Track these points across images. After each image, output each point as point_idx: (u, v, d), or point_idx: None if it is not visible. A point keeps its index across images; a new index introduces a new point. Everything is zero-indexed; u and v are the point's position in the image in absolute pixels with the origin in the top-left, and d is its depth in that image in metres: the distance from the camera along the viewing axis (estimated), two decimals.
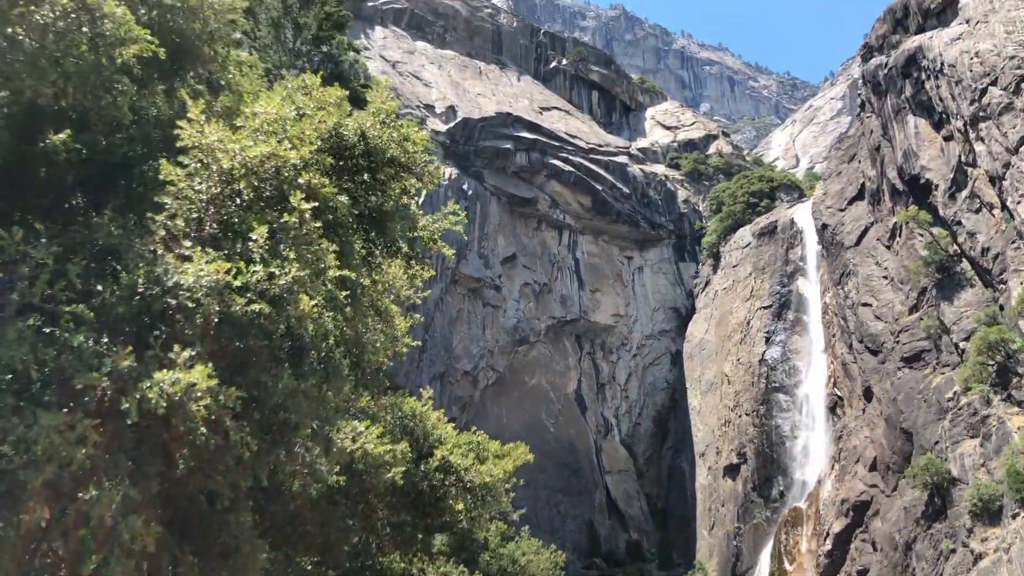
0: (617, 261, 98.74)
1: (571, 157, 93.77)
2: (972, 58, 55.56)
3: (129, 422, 8.98)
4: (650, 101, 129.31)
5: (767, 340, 75.15)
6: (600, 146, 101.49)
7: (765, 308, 77.71)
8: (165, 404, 8.79)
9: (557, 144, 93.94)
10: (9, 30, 10.98)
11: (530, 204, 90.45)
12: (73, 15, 11.13)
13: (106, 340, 9.36)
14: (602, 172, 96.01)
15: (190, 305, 9.63)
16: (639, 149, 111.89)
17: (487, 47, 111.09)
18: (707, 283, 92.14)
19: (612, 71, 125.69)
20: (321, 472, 10.61)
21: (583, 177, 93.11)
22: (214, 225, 11.57)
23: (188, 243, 10.63)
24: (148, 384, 8.85)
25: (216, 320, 9.98)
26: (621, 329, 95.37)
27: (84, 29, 11.26)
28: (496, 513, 24.39)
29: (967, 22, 59.01)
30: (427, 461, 17.25)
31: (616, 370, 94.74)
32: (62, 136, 10.90)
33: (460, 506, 18.21)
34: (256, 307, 9.86)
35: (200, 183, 11.53)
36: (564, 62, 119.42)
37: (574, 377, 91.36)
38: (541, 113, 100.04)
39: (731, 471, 72.07)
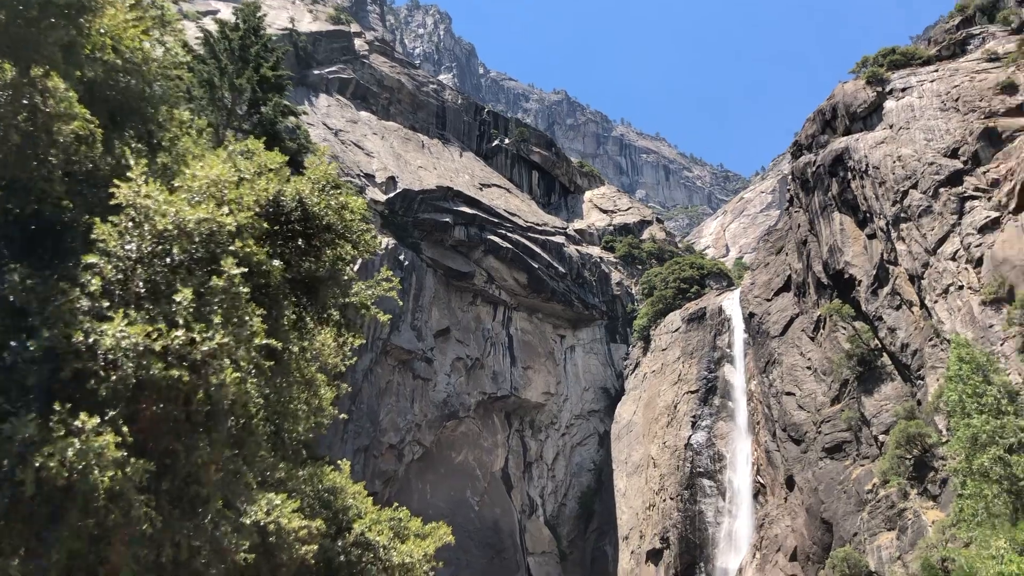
0: (550, 339, 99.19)
1: (509, 234, 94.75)
2: (895, 162, 58.47)
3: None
4: (588, 184, 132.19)
5: (693, 424, 75.83)
6: (538, 225, 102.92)
7: (692, 392, 78.64)
8: (66, 474, 8.37)
9: (496, 220, 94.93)
10: None
11: (467, 278, 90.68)
12: (17, 89, 10.99)
13: (7, 406, 8.94)
14: (539, 251, 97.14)
15: (105, 369, 9.28)
16: (576, 230, 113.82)
17: (431, 121, 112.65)
18: (637, 365, 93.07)
19: (553, 153, 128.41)
20: (228, 548, 10.15)
21: (520, 254, 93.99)
22: (140, 285, 11.29)
23: (108, 303, 10.33)
24: (49, 452, 8.43)
25: (132, 384, 9.64)
26: (551, 407, 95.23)
27: (25, 102, 11.12)
28: None
29: (891, 127, 62.28)
30: (344, 536, 16.68)
31: (544, 449, 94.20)
32: None
33: None
34: (175, 372, 9.56)
35: (130, 242, 11.29)
36: (507, 141, 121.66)
37: (502, 455, 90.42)
38: (482, 189, 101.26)
39: (654, 556, 71.61)
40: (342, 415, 21.75)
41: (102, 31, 13.37)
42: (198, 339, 9.96)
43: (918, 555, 43.13)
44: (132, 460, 8.86)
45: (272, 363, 12.00)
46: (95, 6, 13.07)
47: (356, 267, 64.70)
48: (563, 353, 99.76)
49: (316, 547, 12.41)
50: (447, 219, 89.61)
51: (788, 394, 64.13)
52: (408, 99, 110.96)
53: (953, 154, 56.02)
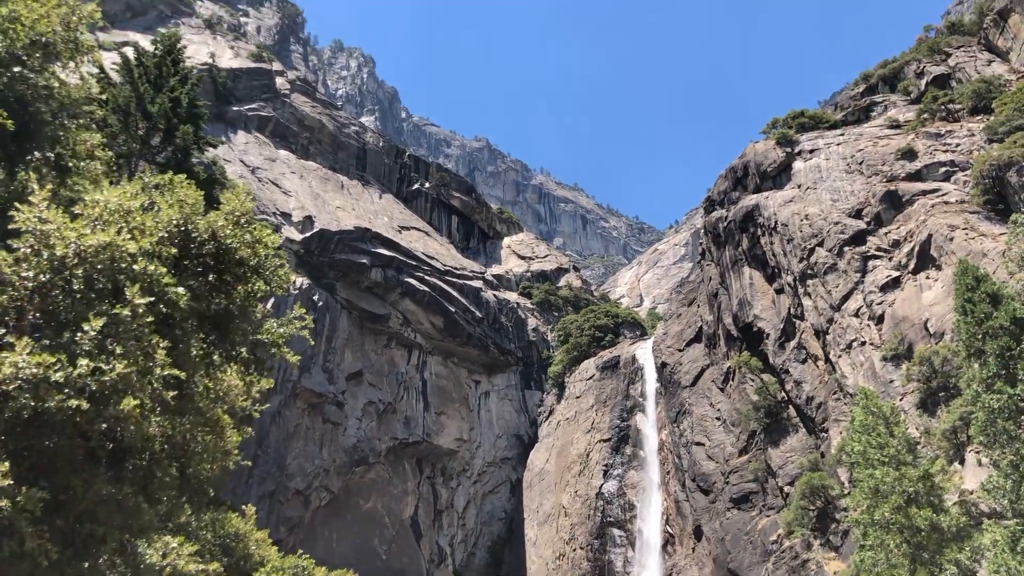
0: (465, 384, 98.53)
1: (427, 277, 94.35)
2: (802, 220, 60.81)
3: None
4: (507, 231, 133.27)
5: (605, 473, 76.15)
6: (456, 269, 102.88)
7: (605, 441, 79.11)
8: None
9: (414, 263, 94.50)
10: None
11: (382, 320, 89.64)
12: None
13: None
14: (456, 295, 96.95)
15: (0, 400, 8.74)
16: (494, 275, 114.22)
17: (351, 163, 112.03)
18: (551, 412, 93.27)
19: (473, 198, 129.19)
20: None
21: (437, 298, 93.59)
22: (37, 315, 10.74)
23: (2, 330, 9.77)
24: None
25: (27, 415, 9.09)
26: (464, 454, 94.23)
27: None
28: None
29: (799, 187, 64.91)
30: None
31: (455, 497, 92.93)
32: None
33: None
34: (74, 403, 9.07)
35: (28, 270, 10.77)
36: (427, 185, 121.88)
37: (411, 502, 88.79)
38: (400, 232, 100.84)
39: None
40: (246, 461, 21.04)
41: (8, 18, 12.86)
42: (102, 367, 9.50)
43: None
44: (25, 489, 8.31)
45: (176, 394, 11.52)
46: None
47: (269, 305, 63.29)
48: (477, 399, 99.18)
49: None
50: (364, 260, 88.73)
51: (698, 444, 65.13)
52: (329, 139, 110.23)
53: (857, 214, 58.64)
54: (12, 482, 8.13)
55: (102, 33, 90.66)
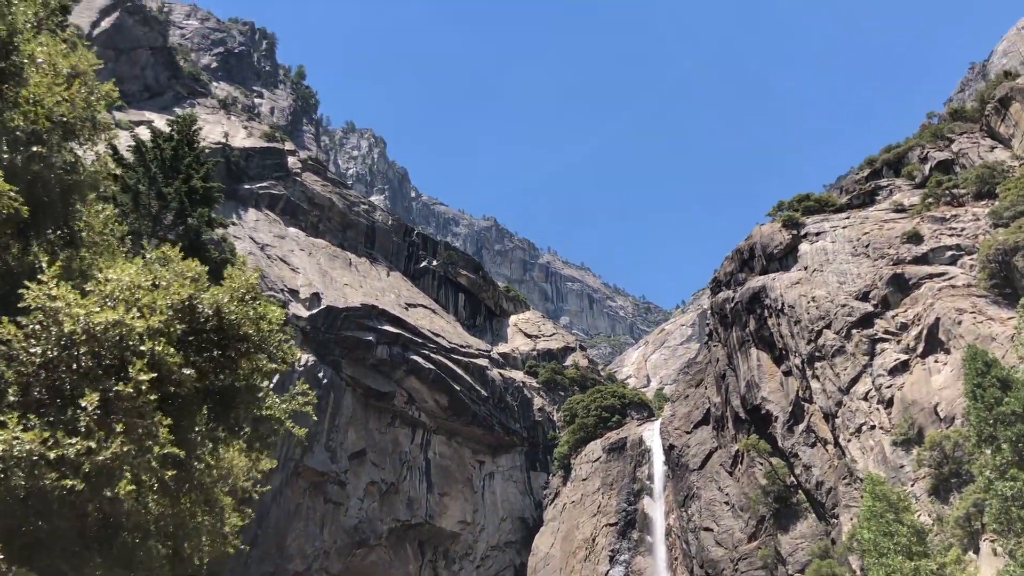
0: (469, 465, 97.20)
1: (432, 355, 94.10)
2: (809, 302, 60.79)
3: None
4: (514, 309, 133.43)
5: (611, 559, 74.44)
6: (462, 346, 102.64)
7: (611, 525, 77.57)
8: None
9: (420, 340, 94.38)
10: None
11: (386, 398, 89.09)
12: None
13: None
14: (462, 373, 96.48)
15: None
16: (500, 354, 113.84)
17: (360, 240, 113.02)
18: (556, 495, 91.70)
19: (480, 276, 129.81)
20: None
21: (442, 376, 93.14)
22: (43, 391, 10.72)
23: (5, 408, 9.72)
24: None
25: (21, 495, 8.94)
26: (467, 537, 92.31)
27: None
28: None
29: (805, 269, 65.10)
30: None
31: None
32: None
33: None
34: (68, 483, 8.94)
35: (36, 346, 10.80)
36: (435, 263, 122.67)
37: None
38: (407, 309, 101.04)
39: None
40: (244, 546, 20.64)
41: (29, 100, 13.16)
42: (95, 447, 9.39)
43: None
44: (15, 569, 8.11)
45: (175, 473, 11.35)
46: (14, 70, 12.90)
47: (273, 383, 63.10)
48: (481, 480, 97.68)
49: None
50: (370, 337, 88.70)
51: (706, 529, 63.80)
52: (338, 217, 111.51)
53: (864, 297, 58.65)
54: (3, 559, 7.95)
55: (119, 112, 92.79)
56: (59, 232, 16.18)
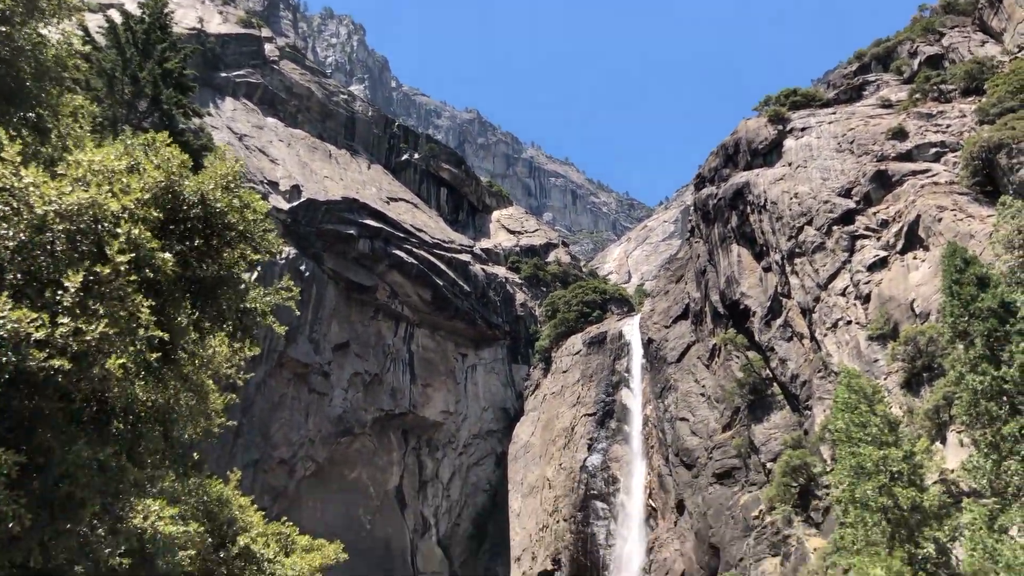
0: (451, 357, 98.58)
1: (415, 250, 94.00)
2: (792, 198, 60.73)
3: None
4: (497, 204, 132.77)
5: (589, 447, 76.54)
6: (445, 242, 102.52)
7: (590, 415, 79.43)
8: None
9: (402, 235, 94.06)
10: None
11: (369, 292, 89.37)
12: None
13: None
14: (444, 268, 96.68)
15: None
16: (483, 249, 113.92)
17: (339, 132, 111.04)
18: (537, 386, 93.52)
19: (462, 171, 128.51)
20: (101, 554, 9.44)
21: (425, 271, 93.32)
22: (17, 276, 10.52)
23: None
24: None
25: (7, 375, 8.89)
26: (449, 426, 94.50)
27: None
28: None
29: (790, 165, 64.75)
30: (228, 548, 15.96)
31: (440, 468, 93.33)
32: None
33: None
34: (56, 363, 8.88)
35: (7, 229, 10.52)
36: (416, 156, 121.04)
37: (396, 473, 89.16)
38: (389, 203, 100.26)
39: None
40: (231, 422, 20.97)
41: None
42: (84, 328, 9.30)
43: None
44: (1, 451, 8.14)
45: (160, 357, 11.34)
46: None
47: (255, 275, 63.07)
48: (464, 372, 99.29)
49: (195, 552, 11.80)
50: (352, 231, 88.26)
51: (682, 420, 65.45)
52: (317, 108, 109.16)
53: (847, 194, 58.62)
54: None
55: None
56: (26, 116, 15.67)
